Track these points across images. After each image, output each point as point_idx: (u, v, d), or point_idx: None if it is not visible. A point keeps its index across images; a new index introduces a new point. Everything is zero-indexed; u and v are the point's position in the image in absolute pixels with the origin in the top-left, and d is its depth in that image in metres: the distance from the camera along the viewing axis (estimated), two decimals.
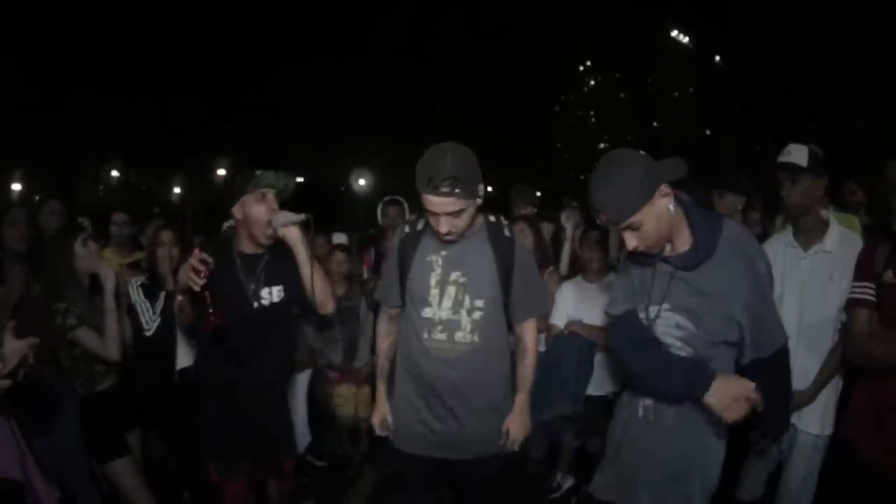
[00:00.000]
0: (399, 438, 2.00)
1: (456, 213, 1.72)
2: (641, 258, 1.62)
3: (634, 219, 1.45)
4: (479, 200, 1.78)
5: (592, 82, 36.26)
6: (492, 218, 1.94)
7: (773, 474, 2.26)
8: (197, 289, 1.88)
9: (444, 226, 1.73)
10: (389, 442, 2.04)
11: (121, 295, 2.70)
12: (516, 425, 1.92)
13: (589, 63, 35.40)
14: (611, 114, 31.99)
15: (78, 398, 2.37)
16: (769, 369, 1.62)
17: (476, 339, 1.85)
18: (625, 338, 1.72)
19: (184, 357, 2.89)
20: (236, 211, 2.10)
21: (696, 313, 1.56)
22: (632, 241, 1.50)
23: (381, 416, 2.05)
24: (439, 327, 1.85)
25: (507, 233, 1.90)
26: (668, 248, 1.59)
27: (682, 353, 1.61)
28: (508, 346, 1.97)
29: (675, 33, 17.78)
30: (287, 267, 2.15)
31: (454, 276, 1.85)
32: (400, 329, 2.01)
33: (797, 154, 2.06)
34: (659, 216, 1.47)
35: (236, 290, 2.12)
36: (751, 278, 1.52)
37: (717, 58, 18.15)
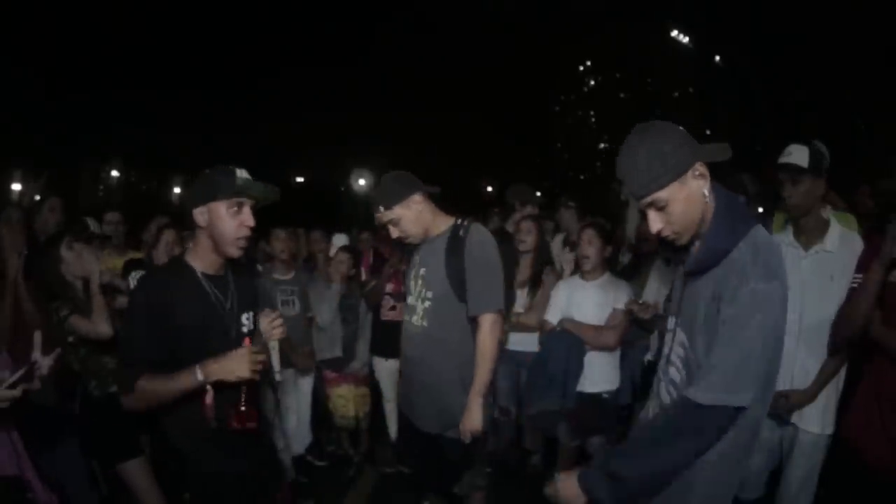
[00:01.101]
0: None
1: (392, 223, 2.17)
2: (676, 258, 1.45)
3: (660, 195, 1.26)
4: (411, 206, 2.15)
5: (592, 82, 36.26)
6: (459, 221, 2.23)
7: (773, 473, 2.26)
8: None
9: (392, 233, 2.23)
10: None
11: (123, 292, 2.71)
12: (465, 421, 2.10)
13: (589, 63, 35.40)
14: (611, 114, 31.95)
15: (80, 400, 2.38)
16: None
17: (425, 324, 2.19)
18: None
19: None
20: (199, 216, 1.64)
21: (689, 331, 1.35)
22: (656, 223, 1.30)
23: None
24: (408, 310, 2.29)
25: (461, 234, 2.17)
26: (696, 246, 1.37)
27: (675, 377, 1.40)
28: (464, 342, 2.14)
29: (675, 33, 17.76)
30: (251, 288, 1.88)
31: (422, 271, 2.23)
32: None
33: (798, 154, 2.06)
34: (690, 199, 1.27)
35: (214, 321, 1.70)
36: (729, 305, 1.23)
37: (717, 58, 18.15)
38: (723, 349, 1.22)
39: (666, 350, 1.44)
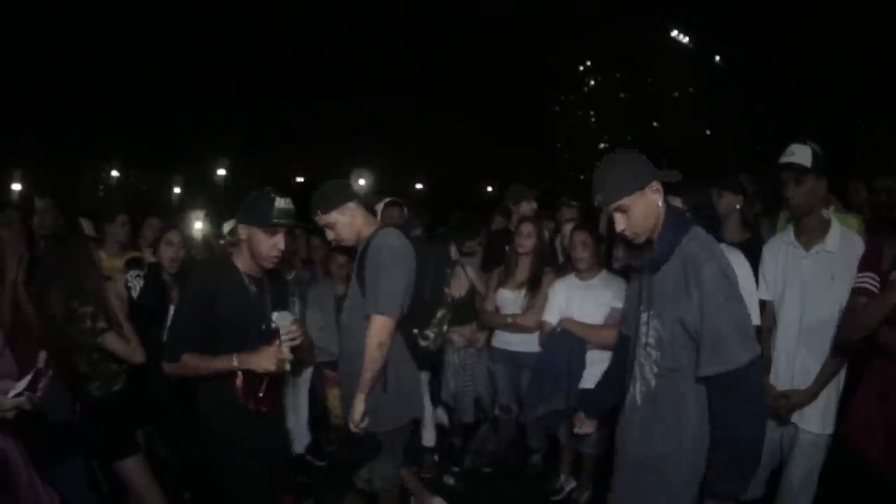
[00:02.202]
0: None
1: (328, 226, 2.32)
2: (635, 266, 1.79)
3: (624, 201, 1.63)
4: (346, 212, 2.29)
5: (592, 82, 36.25)
6: (382, 228, 2.39)
7: (773, 473, 2.26)
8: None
9: (328, 235, 2.38)
10: None
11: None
12: (352, 414, 2.26)
13: (589, 63, 35.40)
14: (611, 114, 31.98)
15: (86, 402, 2.38)
16: (718, 396, 1.59)
17: (344, 319, 2.42)
18: None
19: None
20: (242, 232, 2.06)
21: (661, 315, 1.68)
22: (620, 223, 1.66)
23: None
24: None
25: (369, 236, 2.33)
26: (650, 250, 1.71)
27: (654, 356, 1.72)
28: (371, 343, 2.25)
29: (675, 33, 17.77)
30: (283, 291, 2.25)
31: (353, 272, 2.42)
32: None
33: (801, 154, 2.06)
34: (647, 207, 1.64)
35: (250, 315, 2.07)
36: (695, 288, 1.56)
37: (717, 58, 18.15)
38: (723, 321, 1.54)
39: (643, 339, 1.75)
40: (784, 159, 2.10)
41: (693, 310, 1.57)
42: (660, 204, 1.66)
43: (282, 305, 2.16)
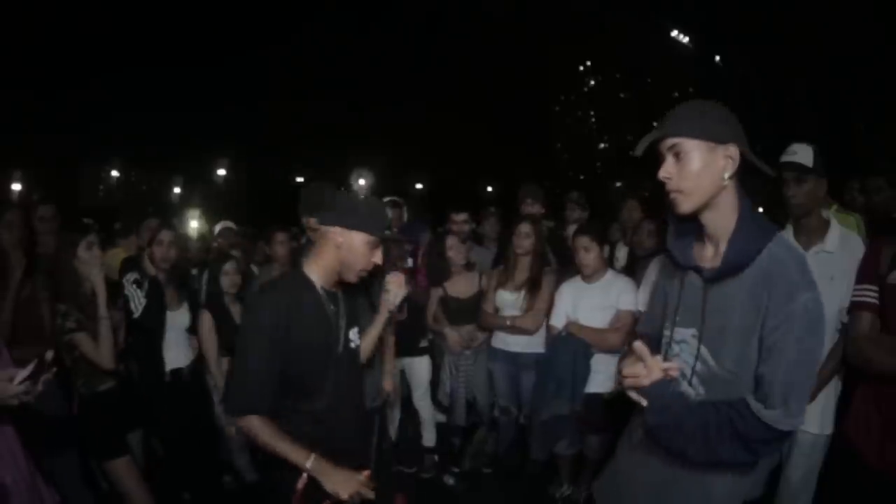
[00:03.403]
0: None
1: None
2: (673, 265, 1.42)
3: (686, 142, 1.25)
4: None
5: (592, 82, 36.27)
6: None
7: (773, 473, 2.26)
8: None
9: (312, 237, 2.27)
10: None
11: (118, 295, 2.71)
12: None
13: (589, 63, 35.42)
14: (611, 114, 31.99)
15: (77, 399, 2.37)
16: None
17: None
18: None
19: (180, 357, 2.90)
20: (338, 235, 1.70)
21: (715, 341, 1.28)
22: (668, 168, 1.28)
23: None
24: None
25: None
26: (709, 251, 1.33)
27: (697, 390, 1.33)
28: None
29: (675, 33, 17.78)
30: (357, 304, 1.94)
31: None
32: None
33: (803, 154, 2.04)
34: (707, 167, 1.25)
35: (330, 338, 1.74)
36: (782, 319, 1.19)
37: (717, 58, 18.15)
38: (793, 369, 1.19)
39: (680, 364, 1.34)
40: (785, 158, 2.08)
41: (767, 344, 1.21)
42: (726, 176, 1.25)
43: (357, 321, 1.86)
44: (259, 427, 1.59)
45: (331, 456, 1.61)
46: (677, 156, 1.27)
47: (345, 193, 1.90)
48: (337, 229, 1.69)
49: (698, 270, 1.33)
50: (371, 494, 1.61)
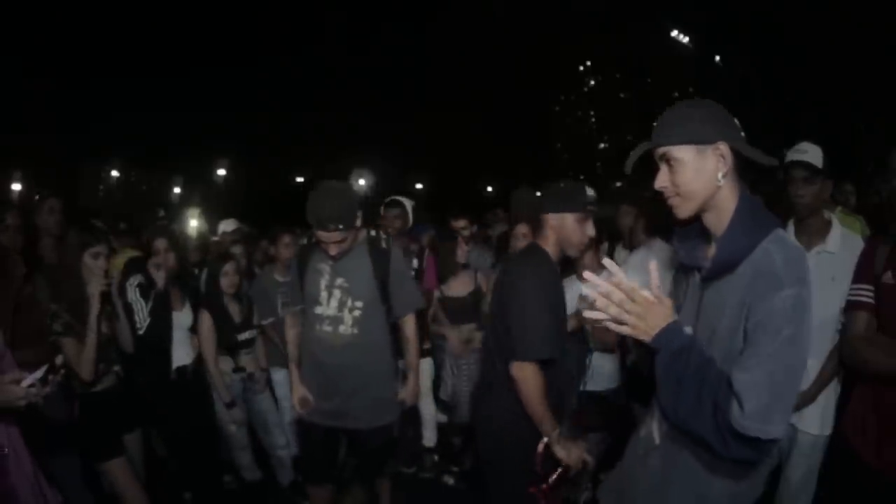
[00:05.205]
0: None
1: (341, 241, 2.21)
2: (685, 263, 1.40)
3: (673, 150, 1.25)
4: (358, 223, 2.25)
5: (592, 82, 36.28)
6: (373, 233, 2.40)
7: (773, 473, 2.27)
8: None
9: (332, 250, 2.23)
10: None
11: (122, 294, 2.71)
12: (407, 393, 2.49)
13: (589, 63, 35.43)
14: (611, 114, 32.02)
15: (75, 399, 2.37)
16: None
17: (356, 331, 2.32)
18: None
19: (182, 355, 2.91)
20: (554, 219, 2.00)
21: (709, 342, 1.25)
22: (663, 177, 1.28)
23: (300, 395, 2.45)
24: (327, 321, 2.33)
25: (384, 245, 2.37)
26: (712, 250, 1.31)
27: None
28: (389, 341, 2.41)
29: (675, 33, 17.79)
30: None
31: (339, 281, 2.32)
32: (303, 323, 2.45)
33: (813, 154, 2.03)
34: (700, 171, 1.24)
35: (563, 298, 2.07)
36: (762, 314, 1.14)
37: (717, 58, 18.17)
38: (757, 368, 1.12)
39: None
40: (795, 157, 2.05)
41: (748, 341, 1.17)
42: (720, 177, 1.23)
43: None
44: (534, 376, 1.85)
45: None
46: (669, 164, 1.27)
47: (560, 184, 2.05)
48: (550, 216, 2.00)
49: (699, 270, 1.33)
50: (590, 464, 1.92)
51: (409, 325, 2.44)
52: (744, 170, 1.27)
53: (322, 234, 2.18)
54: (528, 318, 1.87)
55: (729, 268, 1.23)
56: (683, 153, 1.24)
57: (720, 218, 1.27)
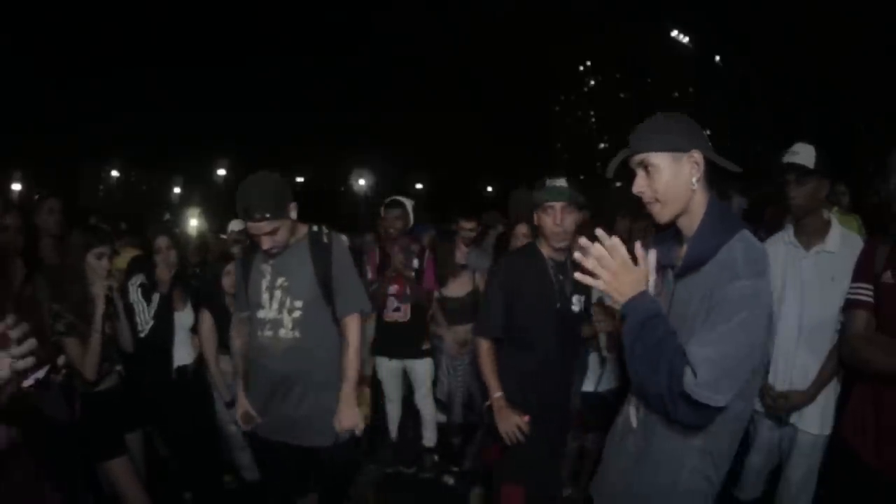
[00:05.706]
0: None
1: (272, 232, 2.04)
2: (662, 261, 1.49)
3: (651, 156, 1.36)
4: (293, 216, 2.10)
5: (592, 82, 36.28)
6: (314, 228, 2.23)
7: (773, 473, 2.27)
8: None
9: (265, 244, 2.06)
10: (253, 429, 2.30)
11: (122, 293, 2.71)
12: (342, 417, 2.16)
13: (589, 63, 35.42)
14: (611, 114, 32.02)
15: (77, 399, 2.37)
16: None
17: (297, 334, 2.14)
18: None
19: (184, 355, 2.91)
20: (536, 218, 2.18)
21: (679, 333, 1.30)
22: (640, 182, 1.39)
23: (243, 409, 2.28)
24: (268, 325, 2.16)
25: (325, 240, 2.20)
26: (684, 250, 1.42)
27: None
28: (335, 342, 2.21)
29: (675, 33, 17.80)
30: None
31: (279, 281, 2.16)
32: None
33: (805, 154, 2.04)
34: (676, 177, 1.35)
35: (551, 300, 2.15)
36: (718, 302, 1.25)
37: (717, 58, 18.17)
38: (710, 346, 1.22)
39: None
40: (787, 159, 2.08)
41: (706, 320, 1.26)
42: (694, 182, 1.34)
43: (584, 291, 2.22)
44: (485, 351, 2.14)
45: (537, 406, 2.08)
46: (646, 169, 1.38)
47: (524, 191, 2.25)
48: (536, 216, 2.16)
49: (673, 268, 1.45)
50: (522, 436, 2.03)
51: (352, 327, 2.17)
52: (711, 178, 1.40)
53: (251, 227, 2.03)
54: (481, 300, 2.20)
55: (698, 265, 1.34)
56: (661, 160, 1.36)
57: (692, 221, 1.38)
